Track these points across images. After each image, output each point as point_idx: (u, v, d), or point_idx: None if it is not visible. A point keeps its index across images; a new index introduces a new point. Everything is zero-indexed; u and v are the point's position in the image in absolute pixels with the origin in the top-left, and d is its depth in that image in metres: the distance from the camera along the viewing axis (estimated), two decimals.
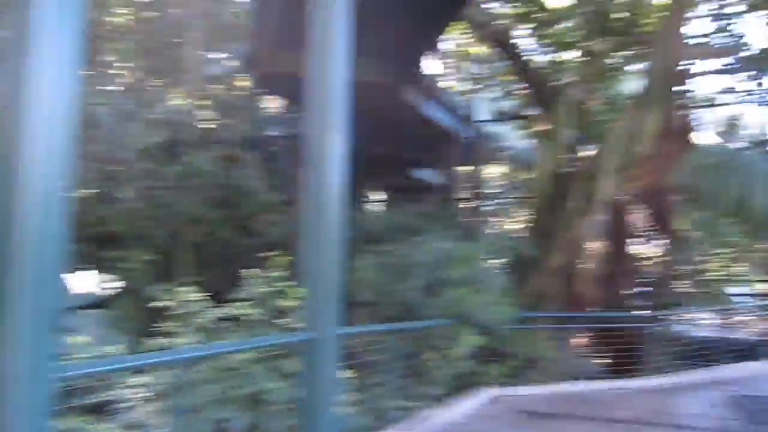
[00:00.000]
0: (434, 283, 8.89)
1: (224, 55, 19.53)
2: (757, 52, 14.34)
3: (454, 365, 8.54)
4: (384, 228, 11.92)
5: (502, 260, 11.45)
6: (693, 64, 13.39)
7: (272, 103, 19.41)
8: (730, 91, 14.53)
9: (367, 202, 23.45)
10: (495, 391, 9.20)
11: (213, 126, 17.37)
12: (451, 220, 12.57)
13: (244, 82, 18.53)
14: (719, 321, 13.30)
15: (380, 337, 7.91)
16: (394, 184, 23.83)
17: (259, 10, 13.00)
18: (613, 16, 13.43)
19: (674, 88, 10.71)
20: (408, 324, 8.29)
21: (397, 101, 15.37)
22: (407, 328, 8.18)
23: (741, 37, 14.32)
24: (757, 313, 16.32)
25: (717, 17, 14.20)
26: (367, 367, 7.94)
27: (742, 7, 14.55)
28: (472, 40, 16.13)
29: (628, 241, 12.78)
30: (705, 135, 18.47)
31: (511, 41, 12.53)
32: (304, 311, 5.16)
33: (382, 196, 27.16)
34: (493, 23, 12.29)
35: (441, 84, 17.72)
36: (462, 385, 8.86)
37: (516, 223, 14.48)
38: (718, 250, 15.57)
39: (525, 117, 16.79)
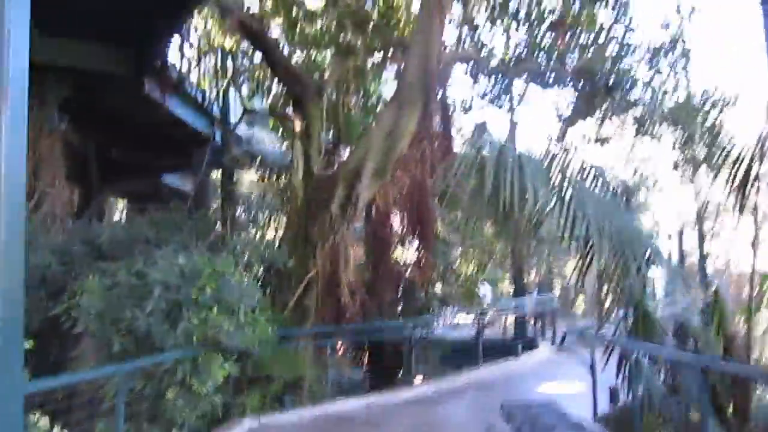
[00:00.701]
0: (177, 306, 7.48)
1: None
2: (499, 60, 15.07)
3: (204, 401, 7.26)
4: (119, 242, 10.13)
5: (259, 274, 10.37)
6: (450, 68, 13.55)
7: None
8: (484, 95, 15.07)
9: (106, 211, 20.83)
10: (253, 423, 8.17)
11: None
12: (201, 231, 11.10)
13: None
14: (475, 322, 13.67)
15: (106, 380, 6.39)
16: (140, 191, 21.48)
17: None
18: (369, 15, 13.08)
19: (431, 91, 10.48)
20: (144, 360, 6.80)
21: (138, 97, 13.52)
22: (141, 365, 6.71)
23: (486, 46, 14.93)
24: (506, 312, 17.34)
25: (465, 24, 14.61)
26: (88, 420, 6.36)
27: (484, 20, 15.21)
28: (220, 29, 14.77)
29: (389, 246, 12.47)
30: (462, 138, 19.21)
31: (263, 34, 11.47)
32: None
33: (127, 204, 24.46)
34: (242, 12, 11.12)
35: (189, 79, 16.04)
36: (215, 421, 7.66)
37: (274, 231, 13.47)
38: (473, 252, 16.12)
39: (280, 116, 15.84)
